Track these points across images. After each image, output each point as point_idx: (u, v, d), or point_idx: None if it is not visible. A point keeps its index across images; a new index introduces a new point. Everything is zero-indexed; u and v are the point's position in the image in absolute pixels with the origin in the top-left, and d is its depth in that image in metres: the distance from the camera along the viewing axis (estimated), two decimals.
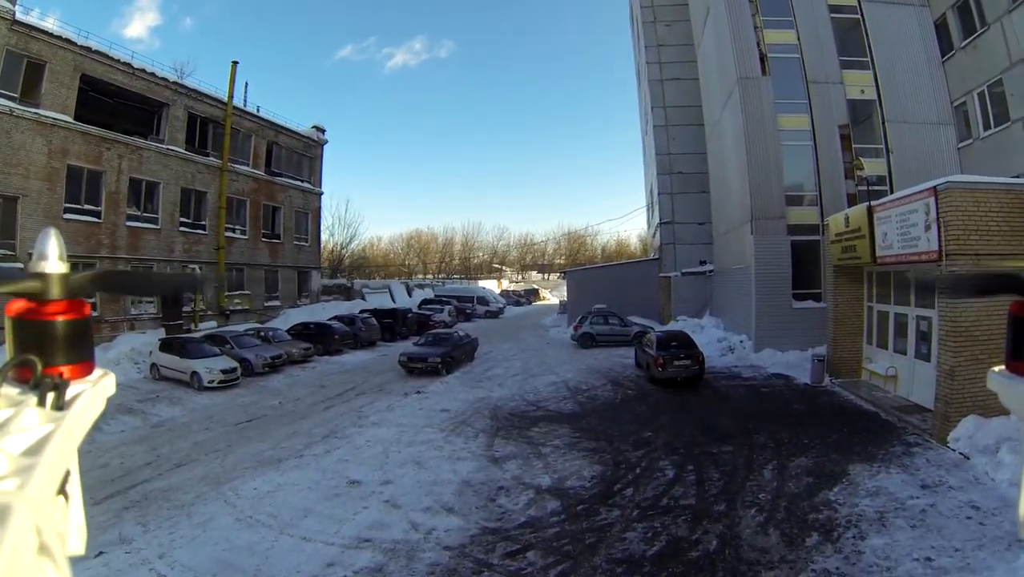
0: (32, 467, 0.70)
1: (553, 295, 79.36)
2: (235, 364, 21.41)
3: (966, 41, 22.15)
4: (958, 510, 8.90)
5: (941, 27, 23.48)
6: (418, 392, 19.33)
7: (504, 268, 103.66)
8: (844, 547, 7.98)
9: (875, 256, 15.75)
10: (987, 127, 21.40)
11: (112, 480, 11.43)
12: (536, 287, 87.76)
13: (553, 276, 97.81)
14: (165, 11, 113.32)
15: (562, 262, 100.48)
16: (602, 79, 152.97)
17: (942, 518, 8.66)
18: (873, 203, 15.93)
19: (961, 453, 11.24)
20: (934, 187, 12.78)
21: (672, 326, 29.35)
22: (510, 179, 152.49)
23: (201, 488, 10.93)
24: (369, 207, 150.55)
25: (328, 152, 43.31)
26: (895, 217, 14.51)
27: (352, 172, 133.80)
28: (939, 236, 12.50)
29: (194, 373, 20.44)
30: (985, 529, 8.28)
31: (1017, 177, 18.12)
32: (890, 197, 15.77)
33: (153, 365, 22.08)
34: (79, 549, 0.90)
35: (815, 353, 19.38)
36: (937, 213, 12.57)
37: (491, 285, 77.77)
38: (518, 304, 69.38)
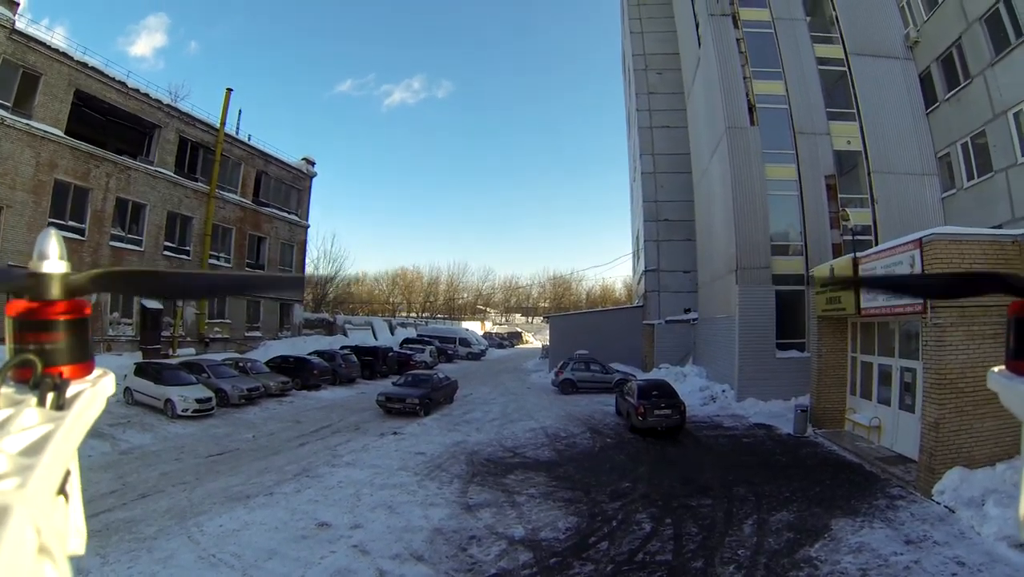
0: (32, 467, 0.70)
1: (536, 338, 79.24)
2: (211, 394, 21.03)
3: (950, 93, 22.64)
4: (943, 566, 8.72)
5: (926, 79, 24.03)
6: (395, 433, 18.96)
7: (488, 310, 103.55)
8: None
9: (860, 308, 15.75)
10: (970, 177, 21.73)
11: None
12: (519, 330, 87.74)
13: (537, 319, 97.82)
14: (172, 33, 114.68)
15: (546, 305, 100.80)
16: (590, 122, 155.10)
17: (926, 575, 8.47)
18: (858, 254, 16.00)
19: (946, 506, 11.09)
20: (919, 239, 12.86)
21: (654, 374, 29.27)
22: (498, 221, 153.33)
23: (165, 521, 10.55)
24: (355, 242, 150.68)
25: (317, 184, 43.41)
26: (880, 269, 14.57)
27: (340, 205, 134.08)
28: None
29: (168, 400, 20.00)
30: None
31: (999, 227, 18.33)
32: (875, 249, 15.85)
33: (127, 389, 21.48)
34: (79, 549, 0.89)
35: (798, 403, 19.29)
36: (922, 265, 12.62)
37: (475, 326, 77.74)
38: (501, 347, 69.26)
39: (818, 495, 12.36)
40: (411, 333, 55.46)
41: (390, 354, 37.38)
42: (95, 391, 0.92)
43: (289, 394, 25.82)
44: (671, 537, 10.30)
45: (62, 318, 0.89)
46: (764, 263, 23.87)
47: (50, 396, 0.83)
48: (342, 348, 35.43)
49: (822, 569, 8.79)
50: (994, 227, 19.33)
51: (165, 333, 29.73)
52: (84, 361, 0.93)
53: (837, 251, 22.31)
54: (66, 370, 0.89)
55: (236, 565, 8.84)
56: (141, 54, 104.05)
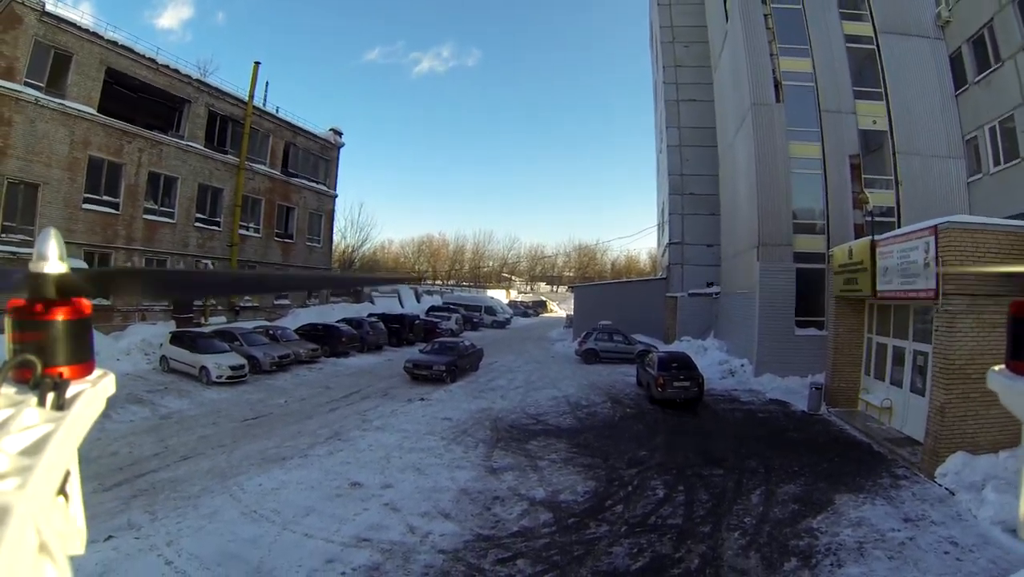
0: (32, 467, 0.72)
1: (561, 308, 79.40)
2: (243, 361, 21.83)
3: (980, 76, 22.30)
4: (937, 545, 9.17)
5: (956, 61, 23.65)
6: (422, 399, 19.68)
7: (513, 278, 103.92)
8: (820, 574, 8.30)
9: (875, 290, 16.02)
10: (997, 163, 21.54)
11: (121, 468, 11.85)
12: (544, 299, 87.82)
13: (562, 288, 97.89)
14: (199, 4, 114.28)
15: (571, 275, 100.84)
16: (618, 94, 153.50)
17: (920, 551, 8.94)
18: (876, 237, 16.18)
19: (947, 489, 11.48)
20: (935, 226, 13.04)
21: (676, 346, 29.61)
22: (524, 190, 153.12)
23: (207, 481, 11.33)
24: (381, 208, 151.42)
25: (345, 153, 43.85)
26: (896, 253, 14.76)
27: (367, 173, 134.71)
28: (937, 276, 12.77)
29: (203, 368, 20.88)
30: (961, 565, 8.58)
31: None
32: (892, 233, 15.98)
33: (163, 357, 22.55)
34: (79, 549, 0.91)
35: (813, 381, 19.62)
36: (936, 252, 12.83)
37: (499, 294, 78.06)
38: (525, 315, 69.47)
39: (825, 471, 12.84)
40: (437, 301, 55.93)
41: (416, 322, 37.98)
42: (95, 391, 0.95)
43: (318, 361, 26.57)
44: (683, 503, 10.90)
45: (62, 318, 0.92)
46: (786, 240, 23.98)
47: (50, 396, 0.86)
48: (369, 316, 36.13)
49: (821, 540, 9.32)
50: (1019, 214, 19.39)
51: (197, 302, 30.57)
52: (84, 361, 0.96)
53: (859, 231, 22.33)
54: (66, 370, 0.92)
55: (276, 520, 9.58)
56: (168, 26, 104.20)
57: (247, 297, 33.69)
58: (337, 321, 32.13)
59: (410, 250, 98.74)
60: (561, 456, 13.79)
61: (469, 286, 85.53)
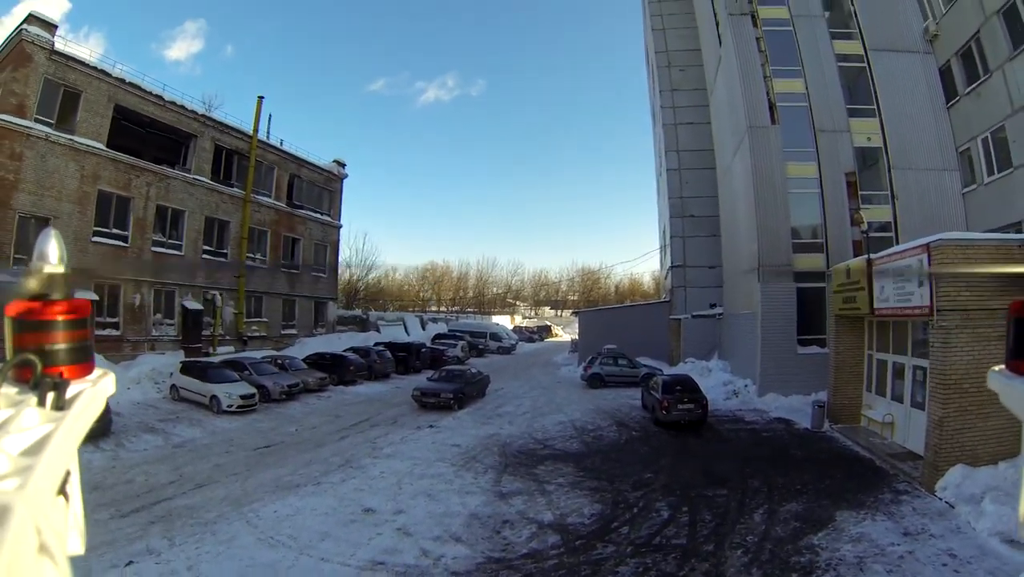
0: (32, 467, 0.72)
1: (566, 332, 79.36)
2: (254, 390, 22.13)
3: (970, 88, 22.63)
4: (935, 557, 9.40)
5: (946, 74, 24.01)
6: (431, 426, 19.93)
7: (517, 303, 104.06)
8: None
9: (873, 308, 16.32)
10: (991, 172, 21.80)
11: (137, 495, 12.18)
12: (549, 324, 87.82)
13: (566, 313, 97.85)
14: (209, 38, 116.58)
15: (576, 299, 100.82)
16: (617, 118, 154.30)
17: (918, 564, 9.17)
18: (872, 256, 16.48)
19: (947, 502, 11.69)
20: (927, 244, 13.37)
21: (680, 368, 29.81)
22: (527, 215, 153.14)
23: (223, 508, 11.63)
24: (384, 236, 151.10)
25: (349, 182, 44.51)
26: (892, 270, 15.07)
27: (371, 202, 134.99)
28: (931, 291, 13.06)
29: (214, 397, 21.20)
30: (958, 576, 8.80)
31: (1020, 223, 18.71)
32: (887, 252, 16.27)
33: (173, 386, 22.91)
34: (79, 549, 0.92)
35: (816, 399, 19.81)
36: (930, 267, 13.12)
37: (504, 320, 78.09)
38: (531, 341, 69.44)
39: (828, 488, 13.06)
40: (442, 328, 56.05)
41: (423, 350, 38.17)
42: (95, 391, 0.95)
43: (327, 389, 26.80)
44: (687, 524, 11.14)
45: (62, 318, 0.92)
46: (786, 260, 24.25)
47: (50, 396, 0.86)
48: (376, 344, 36.40)
49: (822, 556, 9.56)
50: (1014, 223, 19.68)
51: (205, 332, 30.95)
52: (84, 361, 0.96)
53: (857, 248, 22.61)
54: (66, 370, 0.93)
55: (293, 545, 9.87)
56: (177, 58, 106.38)
57: (255, 327, 34.06)
58: (344, 350, 32.34)
59: (414, 278, 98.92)
60: (568, 480, 14.03)
61: (474, 312, 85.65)
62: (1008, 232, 19.26)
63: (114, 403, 18.41)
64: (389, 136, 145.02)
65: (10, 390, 0.87)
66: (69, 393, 0.89)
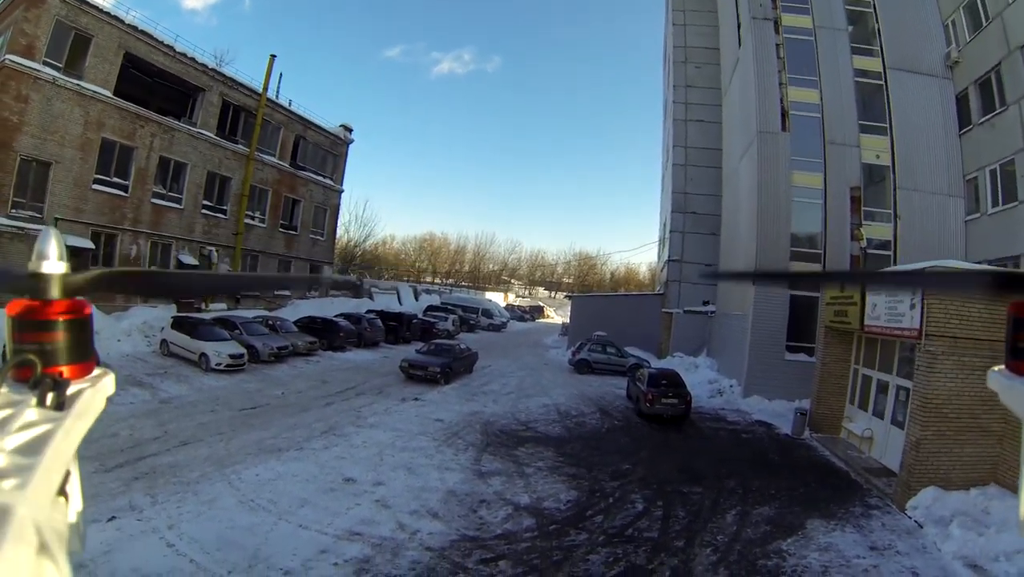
0: (32, 467, 0.72)
1: (558, 314, 79.39)
2: (243, 350, 22.22)
3: (984, 118, 22.69)
4: (899, 574, 9.61)
5: (962, 101, 24.02)
6: (416, 399, 20.10)
7: (512, 281, 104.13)
8: None
9: (863, 324, 16.49)
10: (995, 204, 21.91)
11: (122, 450, 12.27)
12: (541, 304, 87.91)
13: (560, 295, 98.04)
14: None
15: (570, 282, 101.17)
16: (628, 109, 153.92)
17: None
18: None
19: (916, 521, 11.89)
20: (922, 269, 13.49)
21: (668, 362, 30.08)
22: (529, 195, 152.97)
23: (206, 468, 11.76)
24: (385, 203, 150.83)
25: (354, 147, 44.41)
26: (884, 293, 15.21)
27: (374, 166, 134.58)
28: (921, 315, 13.22)
29: (203, 354, 21.26)
30: None
31: (1019, 257, 18.88)
32: (883, 271, 16.39)
33: (163, 341, 22.97)
34: (79, 549, 0.91)
35: (799, 406, 20.01)
36: (922, 295, 13.26)
37: (498, 297, 78.15)
38: (522, 320, 69.59)
39: (801, 496, 13.26)
40: (435, 300, 56.09)
41: (414, 321, 38.39)
42: (95, 391, 0.94)
43: (316, 354, 26.97)
44: (660, 518, 11.34)
45: (62, 318, 0.92)
46: (783, 267, 24.27)
47: (50, 396, 0.86)
48: (368, 312, 36.41)
49: (788, 561, 9.77)
50: (1014, 256, 19.83)
51: None
52: (84, 361, 0.96)
53: (855, 262, 22.84)
54: (66, 370, 0.92)
55: (273, 510, 10.02)
56: (194, 7, 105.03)
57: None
58: (336, 315, 32.49)
59: (411, 247, 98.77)
60: (548, 464, 14.22)
61: (468, 287, 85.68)
62: (1007, 265, 19.45)
63: (104, 355, 18.50)
64: (399, 104, 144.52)
65: (10, 390, 0.87)
66: (69, 393, 0.89)
